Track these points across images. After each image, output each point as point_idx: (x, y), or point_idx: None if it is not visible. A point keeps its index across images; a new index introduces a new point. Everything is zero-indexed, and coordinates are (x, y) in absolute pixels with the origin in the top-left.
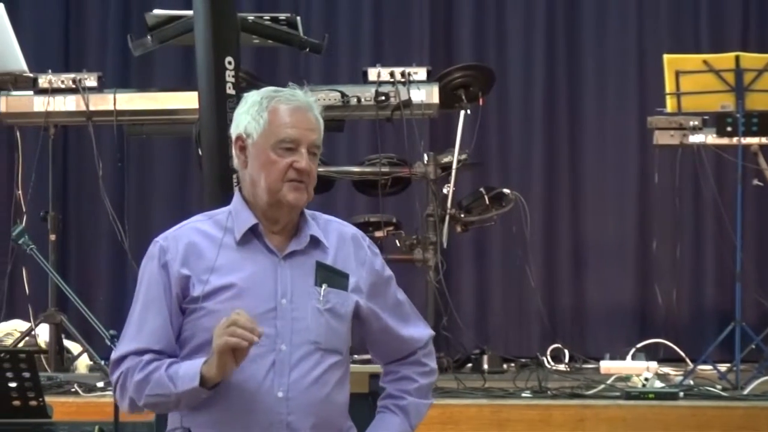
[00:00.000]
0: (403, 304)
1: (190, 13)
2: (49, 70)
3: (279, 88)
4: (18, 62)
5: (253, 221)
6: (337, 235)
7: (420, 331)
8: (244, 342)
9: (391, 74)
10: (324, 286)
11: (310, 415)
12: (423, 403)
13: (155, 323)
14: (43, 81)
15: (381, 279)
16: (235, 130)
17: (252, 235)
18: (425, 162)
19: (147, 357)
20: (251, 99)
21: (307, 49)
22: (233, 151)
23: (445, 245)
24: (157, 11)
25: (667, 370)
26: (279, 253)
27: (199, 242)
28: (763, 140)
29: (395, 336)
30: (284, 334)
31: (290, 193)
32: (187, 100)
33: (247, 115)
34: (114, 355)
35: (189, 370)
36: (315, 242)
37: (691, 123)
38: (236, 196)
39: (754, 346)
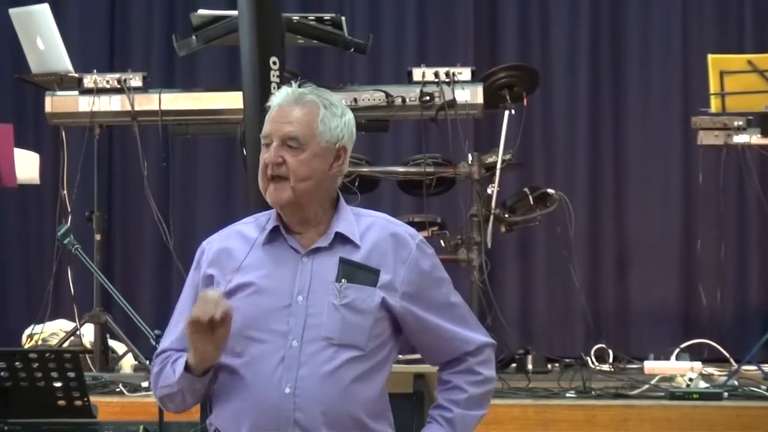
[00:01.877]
0: (456, 307)
1: (234, 13)
2: (95, 70)
3: (286, 87)
4: (63, 62)
5: (275, 223)
6: (376, 232)
7: (471, 335)
8: (205, 316)
9: (436, 74)
10: (343, 281)
11: (320, 413)
12: (472, 414)
13: (182, 325)
14: (89, 81)
15: (428, 279)
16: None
17: (278, 234)
18: (470, 162)
19: (166, 355)
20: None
21: (352, 49)
22: None
23: (489, 245)
24: (201, 11)
25: (711, 370)
26: (302, 251)
27: (233, 244)
28: None
29: (439, 336)
30: (296, 331)
31: (271, 193)
32: (231, 100)
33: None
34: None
35: (183, 360)
36: (343, 239)
37: (736, 123)
38: None
39: None
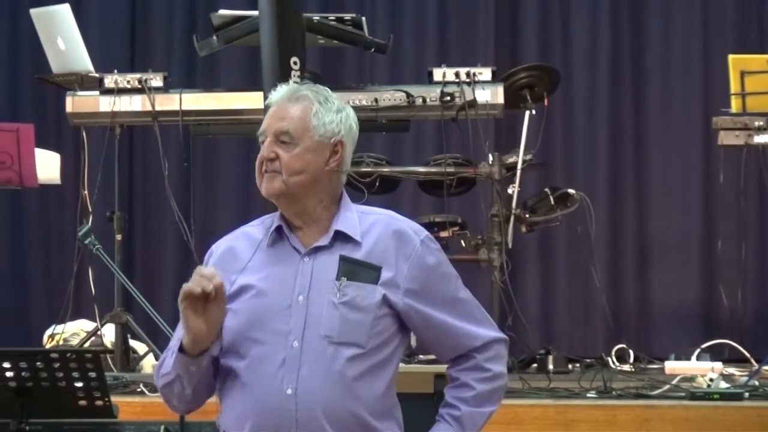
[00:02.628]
0: (464, 303)
1: (255, 13)
2: (115, 71)
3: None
4: (84, 62)
5: (278, 223)
6: (379, 229)
7: (479, 331)
8: (197, 288)
9: (456, 74)
10: (343, 279)
11: (321, 412)
12: (481, 411)
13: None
14: (109, 81)
15: (432, 274)
16: None
17: (281, 234)
18: (490, 162)
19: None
20: None
21: (373, 50)
22: None
23: (510, 245)
24: (222, 12)
25: (732, 370)
26: (303, 250)
27: (238, 246)
28: None
29: (445, 331)
30: (296, 331)
31: (263, 185)
32: (252, 100)
33: None
34: None
35: (178, 345)
36: (343, 237)
37: (756, 123)
38: None
39: None
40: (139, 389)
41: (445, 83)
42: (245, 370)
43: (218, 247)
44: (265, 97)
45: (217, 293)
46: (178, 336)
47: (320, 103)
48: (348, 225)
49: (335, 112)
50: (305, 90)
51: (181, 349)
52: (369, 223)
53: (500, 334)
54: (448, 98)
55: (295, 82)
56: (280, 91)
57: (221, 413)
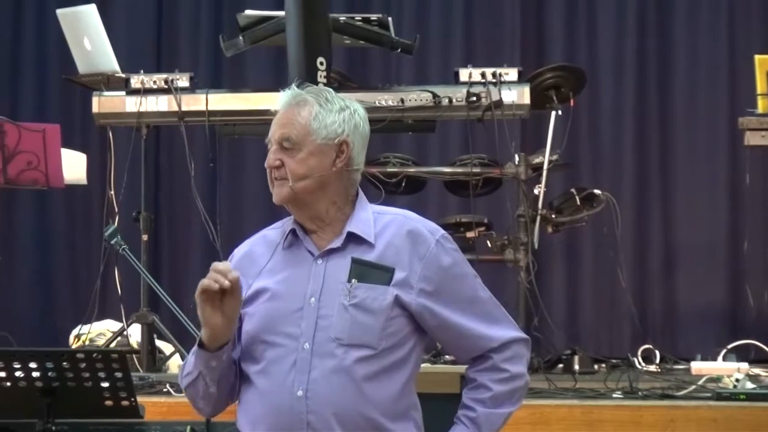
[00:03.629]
0: (482, 303)
1: (281, 13)
2: (142, 71)
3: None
4: (111, 63)
5: (292, 226)
6: (394, 229)
7: (496, 331)
8: (214, 284)
9: (483, 75)
10: (354, 281)
11: (332, 414)
12: (498, 412)
13: None
14: (136, 81)
15: (448, 275)
16: None
17: (296, 237)
18: (516, 162)
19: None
20: None
21: (399, 50)
22: None
23: (536, 246)
24: (248, 12)
25: (758, 371)
26: (316, 253)
27: (256, 249)
28: None
29: (460, 332)
30: (307, 333)
31: (274, 192)
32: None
33: None
34: None
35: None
36: (356, 239)
37: None
38: None
39: None
40: (165, 389)
41: (471, 83)
42: (259, 373)
43: (238, 252)
44: None
45: (233, 287)
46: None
47: (321, 105)
48: (361, 226)
49: (337, 112)
50: (306, 93)
51: (201, 345)
52: (383, 224)
53: (519, 334)
54: (474, 98)
55: (324, 83)
56: (283, 97)
57: (238, 416)
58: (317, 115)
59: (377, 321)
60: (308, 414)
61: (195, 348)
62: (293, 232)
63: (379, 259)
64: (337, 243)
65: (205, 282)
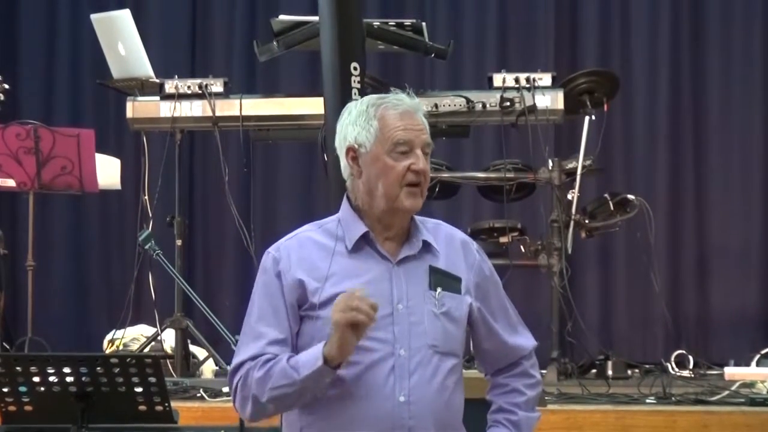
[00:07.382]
0: (511, 310)
1: (315, 18)
2: (176, 76)
3: (382, 95)
4: (145, 68)
5: (364, 229)
6: (446, 239)
7: (525, 340)
8: (365, 318)
9: (516, 80)
10: (439, 289)
11: (431, 420)
12: (532, 416)
13: (272, 334)
14: (170, 86)
15: (489, 283)
16: (343, 142)
17: (364, 242)
18: (550, 168)
19: (264, 357)
20: (356, 109)
21: (433, 55)
22: (343, 162)
23: (569, 251)
24: (282, 17)
25: None
26: (392, 259)
27: (310, 251)
28: None
29: (501, 342)
30: (402, 339)
31: (407, 199)
32: (312, 106)
33: (356, 126)
34: (232, 364)
35: (310, 355)
36: (426, 247)
37: None
38: (344, 205)
39: None
40: (199, 394)
41: (505, 89)
42: (353, 377)
43: (287, 251)
44: (326, 103)
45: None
46: (262, 344)
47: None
48: (426, 234)
49: (341, 121)
50: (416, 100)
51: (325, 362)
52: (433, 232)
53: (535, 341)
54: (508, 104)
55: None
56: (407, 100)
57: (312, 422)
58: (427, 125)
59: (459, 330)
60: (410, 419)
61: (311, 365)
62: (364, 236)
63: (447, 268)
64: (413, 250)
65: (360, 318)
